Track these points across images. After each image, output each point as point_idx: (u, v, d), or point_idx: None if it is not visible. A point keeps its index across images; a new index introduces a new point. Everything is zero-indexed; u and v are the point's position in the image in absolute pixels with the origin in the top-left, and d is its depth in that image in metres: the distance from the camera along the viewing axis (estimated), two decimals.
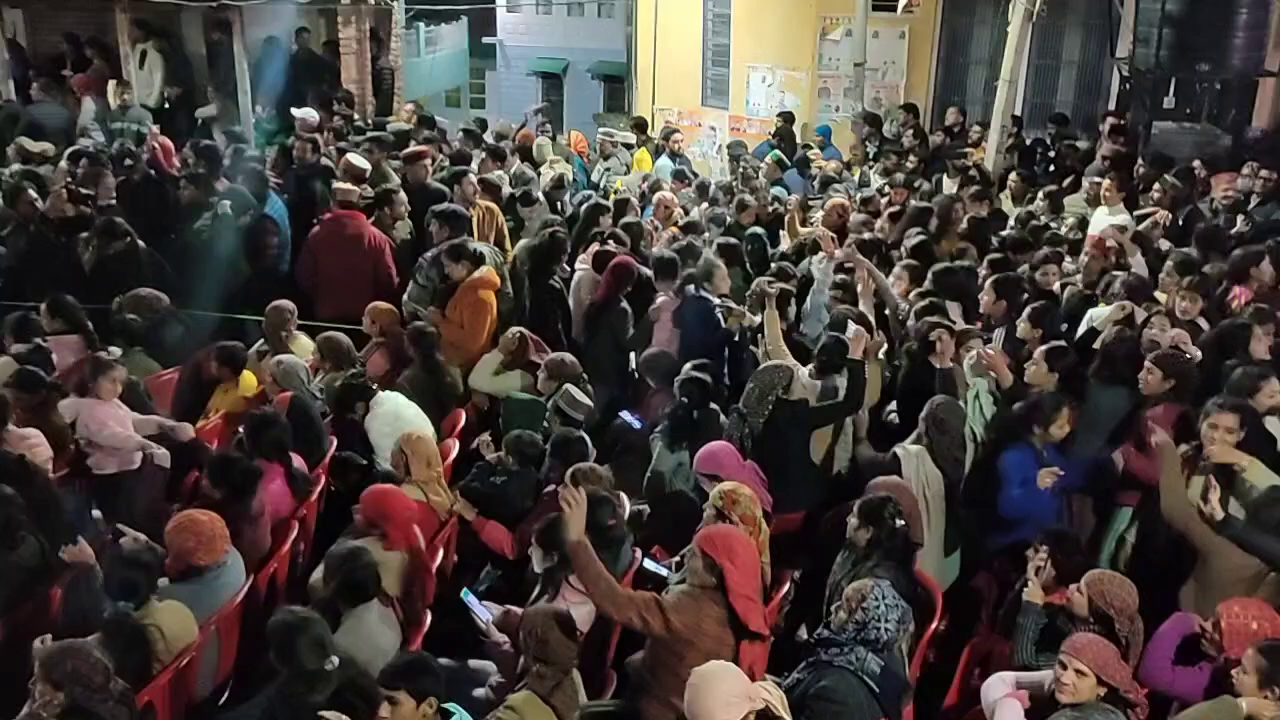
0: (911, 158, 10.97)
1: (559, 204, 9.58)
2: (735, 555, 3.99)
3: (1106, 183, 8.57)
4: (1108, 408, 5.42)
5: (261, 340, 6.85)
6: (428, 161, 9.17)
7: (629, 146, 11.64)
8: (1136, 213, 8.30)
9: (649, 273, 7.27)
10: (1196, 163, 9.48)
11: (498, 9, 20.63)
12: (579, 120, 18.34)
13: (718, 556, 3.98)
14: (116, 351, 6.16)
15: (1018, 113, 11.52)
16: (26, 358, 5.89)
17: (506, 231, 8.55)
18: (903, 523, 4.53)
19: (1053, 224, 8.48)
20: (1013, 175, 9.82)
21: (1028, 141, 11.28)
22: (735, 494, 4.61)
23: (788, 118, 12.54)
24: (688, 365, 5.93)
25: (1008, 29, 10.32)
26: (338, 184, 8.18)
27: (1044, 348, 5.56)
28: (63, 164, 9.01)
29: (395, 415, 5.91)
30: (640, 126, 12.06)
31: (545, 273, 7.50)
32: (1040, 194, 8.92)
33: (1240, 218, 8.14)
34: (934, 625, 4.56)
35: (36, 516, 4.40)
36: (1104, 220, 8.28)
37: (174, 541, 4.45)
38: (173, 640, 4.16)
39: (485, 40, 22.95)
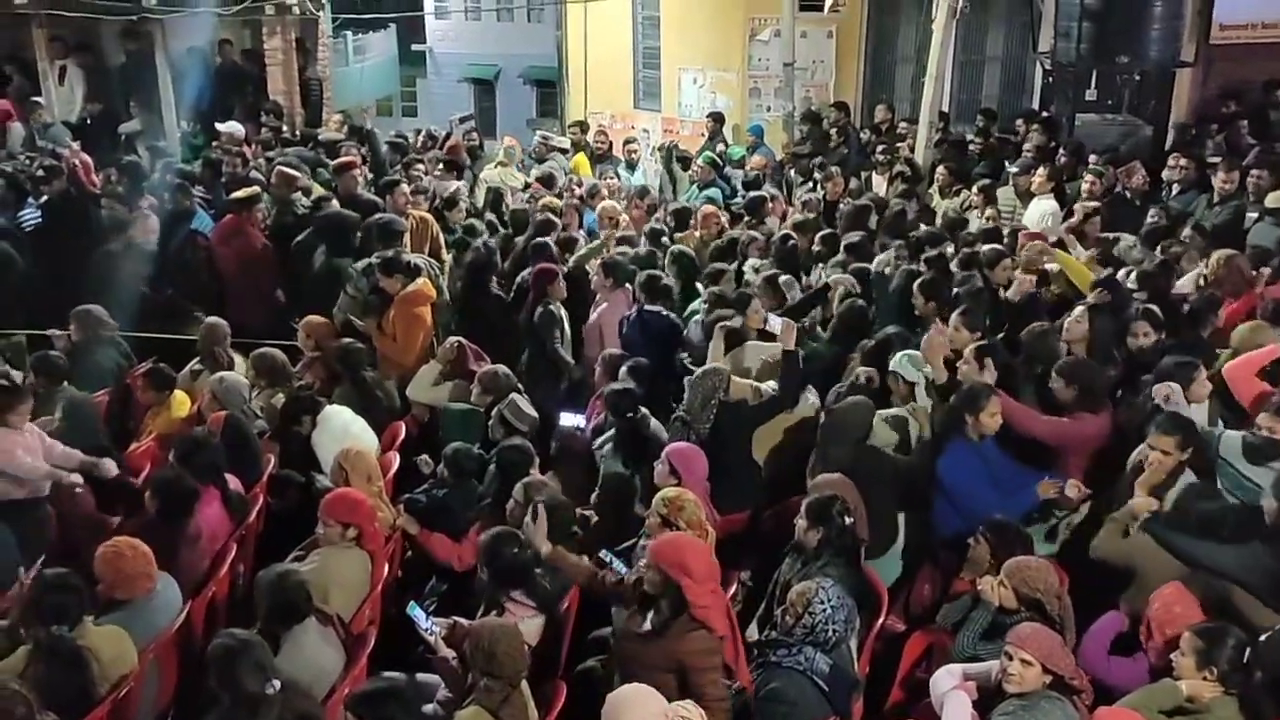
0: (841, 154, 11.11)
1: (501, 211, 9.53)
2: (690, 569, 3.96)
3: (1039, 173, 8.74)
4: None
5: (196, 359, 6.71)
6: (356, 172, 9.05)
7: (564, 151, 11.61)
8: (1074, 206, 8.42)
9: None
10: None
11: (426, 16, 20.43)
12: (512, 125, 18.28)
13: (672, 573, 3.95)
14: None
15: (945, 109, 11.69)
16: None
17: (442, 241, 8.46)
18: (851, 520, 4.56)
19: (991, 218, 8.59)
20: (940, 169, 9.95)
21: (955, 137, 11.45)
22: (680, 500, 4.60)
23: (718, 118, 12.60)
24: (622, 370, 5.94)
25: (932, 26, 10.48)
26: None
27: (974, 345, 5.62)
28: None
29: (343, 429, 5.85)
30: (582, 129, 12.05)
31: (480, 284, 7.45)
32: (975, 188, 9.05)
33: (1155, 207, 8.34)
34: (880, 620, 4.60)
35: None
36: (1038, 210, 8.45)
37: (103, 574, 4.36)
38: (109, 665, 4.06)
39: (415, 48, 22.75)
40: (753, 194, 9.56)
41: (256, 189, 8.44)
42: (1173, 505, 4.56)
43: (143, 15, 11.84)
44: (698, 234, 8.54)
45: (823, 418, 5.48)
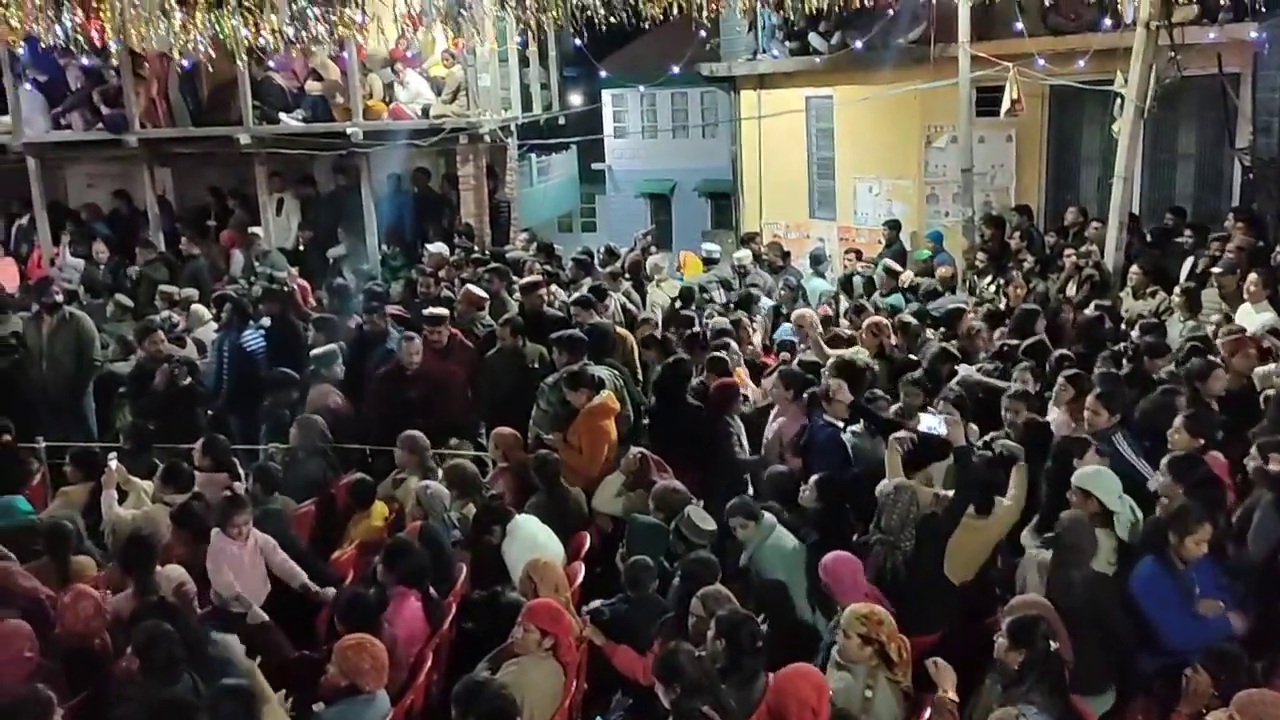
0: (1026, 259, 10.85)
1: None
2: None
3: (1252, 278, 8.26)
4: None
5: (396, 470, 7.06)
6: (543, 291, 9.45)
7: (714, 261, 11.78)
8: None
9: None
10: None
11: (606, 137, 21.37)
12: (688, 237, 18.72)
13: None
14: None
15: (1135, 209, 11.31)
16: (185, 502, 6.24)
17: (636, 352, 8.69)
18: (1055, 644, 4.34)
19: (1191, 323, 8.19)
20: (1133, 269, 9.58)
21: (1149, 237, 11.03)
22: (877, 615, 4.51)
23: (895, 225, 12.58)
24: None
25: (1113, 128, 10.24)
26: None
27: (1167, 459, 5.34)
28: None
29: (532, 539, 6.00)
30: (752, 239, 12.24)
31: (674, 394, 7.51)
32: (1177, 290, 8.67)
33: None
34: None
35: (188, 653, 4.57)
36: (1253, 319, 7.95)
37: (348, 659, 4.54)
38: None
39: (595, 166, 23.77)
40: (951, 305, 9.40)
41: (444, 311, 8.92)
42: None
43: (351, 150, 12.90)
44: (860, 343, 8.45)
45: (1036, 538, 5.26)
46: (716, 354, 7.91)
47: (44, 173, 13.53)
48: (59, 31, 8.80)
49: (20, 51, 12.30)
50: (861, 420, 6.73)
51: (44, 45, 11.12)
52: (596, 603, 5.63)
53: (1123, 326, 8.66)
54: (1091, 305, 8.83)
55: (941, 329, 8.87)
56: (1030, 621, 4.38)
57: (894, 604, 4.99)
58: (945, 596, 5.43)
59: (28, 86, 13.19)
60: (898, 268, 11.07)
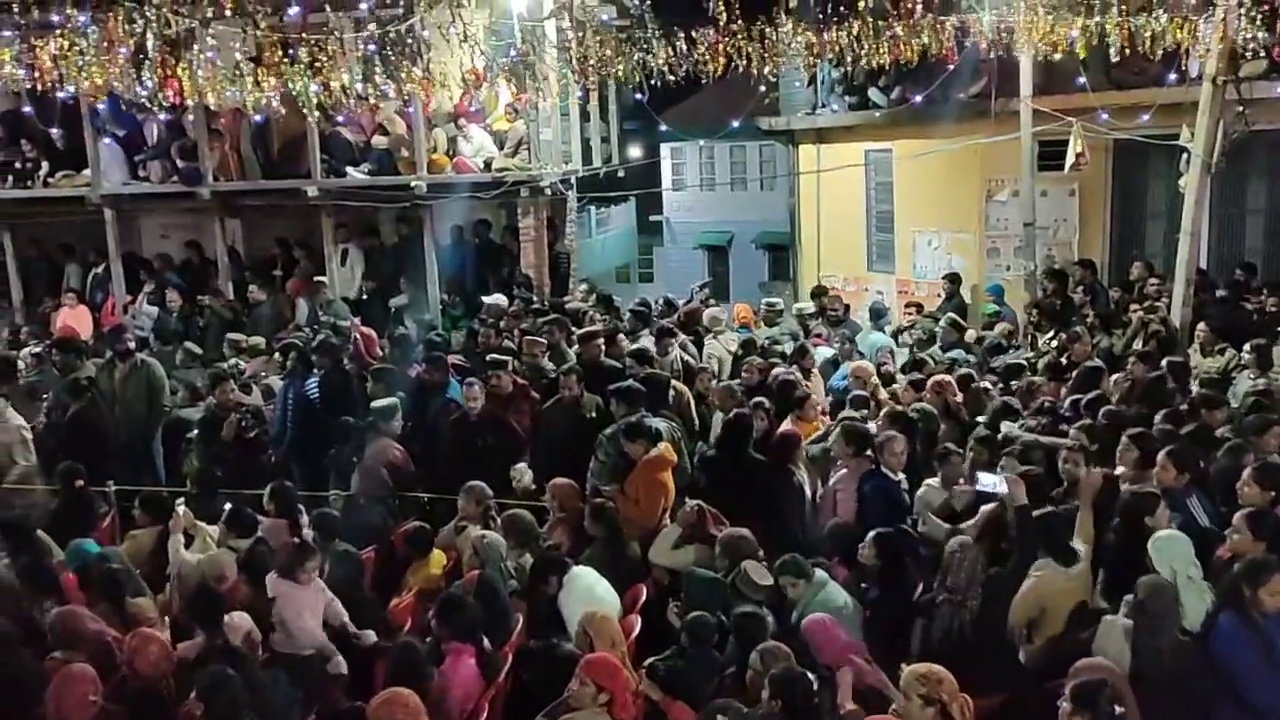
0: (1089, 314, 10.71)
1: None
2: None
3: None
4: None
5: (458, 518, 7.12)
6: (601, 341, 9.50)
7: (779, 314, 11.79)
8: None
9: None
10: None
11: (664, 190, 21.58)
12: (745, 289, 18.77)
13: None
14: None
15: (1202, 265, 11.12)
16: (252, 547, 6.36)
17: (692, 403, 8.69)
18: (1121, 710, 4.23)
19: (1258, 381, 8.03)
20: (1201, 326, 9.43)
21: (1219, 292, 10.83)
22: (936, 674, 4.42)
23: (954, 279, 12.50)
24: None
25: (1179, 183, 10.11)
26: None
27: (1240, 514, 5.21)
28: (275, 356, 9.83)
29: (588, 591, 5.99)
30: (821, 293, 12.23)
31: (738, 446, 7.47)
32: (1247, 347, 8.51)
33: None
34: None
35: (253, 700, 4.62)
36: None
37: (379, 715, 4.55)
38: None
39: (653, 218, 23.98)
40: (1010, 361, 9.31)
41: (506, 358, 9.02)
42: None
43: (415, 202, 13.17)
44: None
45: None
46: (797, 397, 7.95)
47: (120, 223, 14.00)
48: (139, 90, 9.12)
49: (100, 107, 12.77)
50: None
51: (124, 102, 11.57)
52: (652, 659, 5.60)
53: (1192, 385, 8.49)
54: (1162, 362, 8.68)
55: (1000, 384, 8.80)
56: (1095, 685, 4.27)
57: (960, 664, 4.88)
58: (1010, 657, 5.31)
59: (107, 141, 13.69)
60: (962, 322, 10.98)
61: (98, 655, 5.23)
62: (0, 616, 5.49)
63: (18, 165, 14.01)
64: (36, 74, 9.00)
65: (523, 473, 7.76)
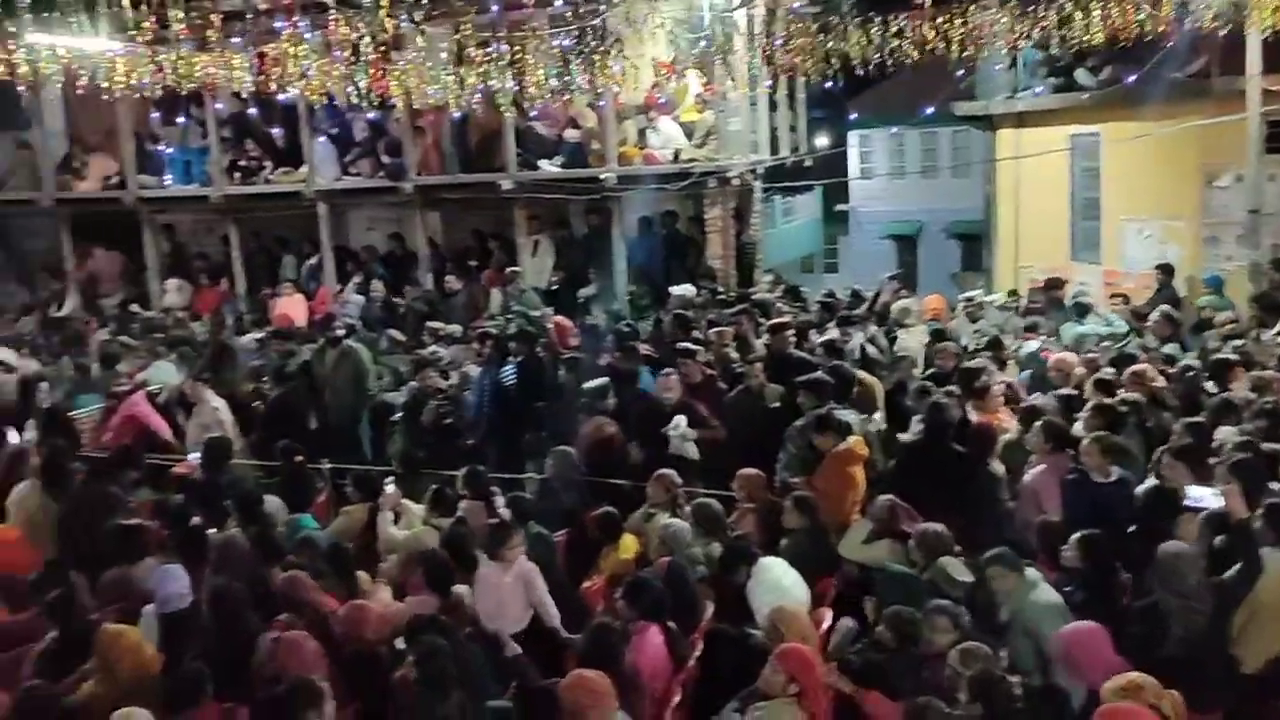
0: None
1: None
2: None
3: None
4: None
5: (648, 504, 7.22)
6: (789, 333, 9.42)
7: (1004, 308, 11.34)
8: None
9: None
10: None
11: (851, 179, 21.22)
12: (934, 280, 18.22)
13: None
14: None
15: None
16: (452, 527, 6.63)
17: (880, 398, 8.53)
18: None
19: None
20: None
21: None
22: (1140, 682, 4.23)
23: (1167, 270, 11.73)
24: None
25: None
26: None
27: None
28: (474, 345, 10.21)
29: (776, 583, 5.98)
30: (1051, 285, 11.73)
31: (939, 440, 7.24)
32: None
33: None
34: None
35: (459, 671, 4.84)
36: None
37: (569, 699, 4.63)
38: None
39: (838, 207, 23.62)
40: (1216, 357, 8.69)
41: (696, 347, 9.05)
42: None
43: (604, 194, 13.41)
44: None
45: None
46: (977, 387, 7.72)
47: (331, 217, 14.86)
48: (353, 91, 9.67)
49: (316, 107, 13.58)
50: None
51: (338, 103, 12.26)
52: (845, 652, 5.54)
53: None
54: None
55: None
56: None
57: (1178, 677, 4.62)
58: (1231, 671, 5.00)
59: (321, 139, 14.56)
60: (1177, 315, 10.29)
61: (316, 622, 5.59)
62: (234, 580, 5.92)
63: (243, 163, 15.12)
64: (261, 76, 9.66)
65: (680, 423, 7.82)
